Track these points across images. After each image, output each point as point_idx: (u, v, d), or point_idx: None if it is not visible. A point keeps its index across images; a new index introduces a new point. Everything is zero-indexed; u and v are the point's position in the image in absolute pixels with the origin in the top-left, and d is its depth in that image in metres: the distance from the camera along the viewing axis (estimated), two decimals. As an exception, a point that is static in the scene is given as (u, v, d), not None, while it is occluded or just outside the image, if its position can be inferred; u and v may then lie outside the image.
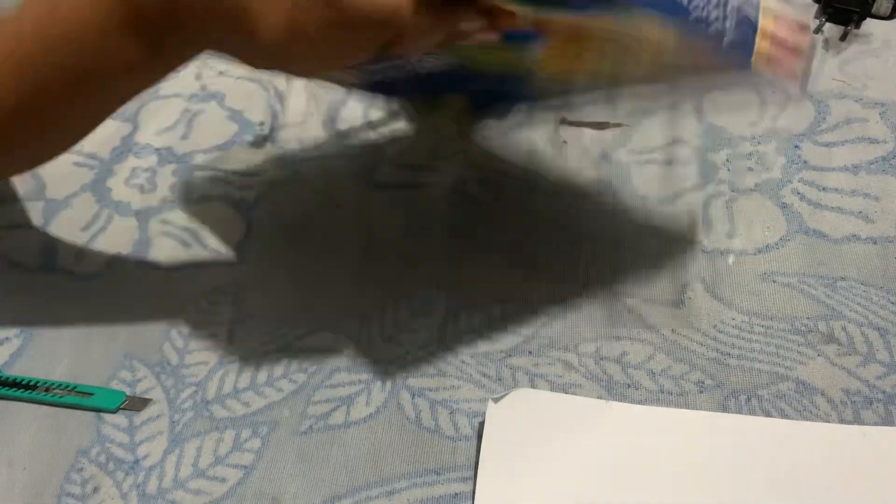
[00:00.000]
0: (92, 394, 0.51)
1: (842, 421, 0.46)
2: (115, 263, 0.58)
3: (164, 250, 0.58)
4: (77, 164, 0.65)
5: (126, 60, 0.40)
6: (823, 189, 0.57)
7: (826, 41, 0.67)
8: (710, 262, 0.54)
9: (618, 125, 0.63)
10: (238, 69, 0.73)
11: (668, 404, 0.47)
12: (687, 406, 0.47)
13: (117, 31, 0.39)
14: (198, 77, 0.72)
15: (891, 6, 0.67)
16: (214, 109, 0.69)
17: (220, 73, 0.73)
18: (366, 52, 0.40)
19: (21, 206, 0.61)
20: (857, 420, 0.46)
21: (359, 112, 0.67)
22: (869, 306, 0.51)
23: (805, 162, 0.59)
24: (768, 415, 0.47)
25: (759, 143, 0.60)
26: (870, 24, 0.68)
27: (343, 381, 0.50)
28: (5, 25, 0.41)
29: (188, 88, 0.71)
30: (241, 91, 0.71)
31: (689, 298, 0.52)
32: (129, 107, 0.69)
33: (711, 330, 0.51)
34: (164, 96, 0.70)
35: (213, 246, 0.59)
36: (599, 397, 0.48)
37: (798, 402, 0.47)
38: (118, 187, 0.64)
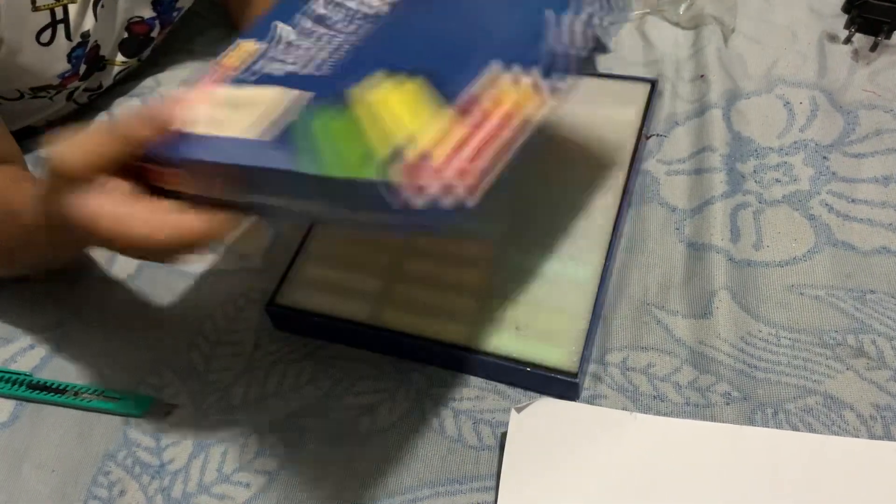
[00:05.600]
0: (119, 398, 0.51)
1: (871, 436, 0.45)
2: (144, 269, 0.58)
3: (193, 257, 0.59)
4: (107, 171, 0.66)
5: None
6: (852, 201, 0.57)
7: (856, 52, 0.66)
8: (737, 274, 0.53)
9: (649, 136, 0.63)
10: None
11: (694, 417, 0.47)
12: (713, 419, 0.47)
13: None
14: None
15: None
16: (242, 118, 0.70)
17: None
18: None
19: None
20: (887, 435, 0.45)
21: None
22: (899, 320, 0.50)
23: (834, 173, 0.58)
24: (795, 429, 0.46)
25: (786, 154, 0.60)
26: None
27: (367, 389, 0.51)
28: None
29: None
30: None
31: (716, 309, 0.52)
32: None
33: (738, 342, 0.50)
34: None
35: (240, 253, 0.59)
36: (625, 408, 0.48)
37: (826, 416, 0.46)
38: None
